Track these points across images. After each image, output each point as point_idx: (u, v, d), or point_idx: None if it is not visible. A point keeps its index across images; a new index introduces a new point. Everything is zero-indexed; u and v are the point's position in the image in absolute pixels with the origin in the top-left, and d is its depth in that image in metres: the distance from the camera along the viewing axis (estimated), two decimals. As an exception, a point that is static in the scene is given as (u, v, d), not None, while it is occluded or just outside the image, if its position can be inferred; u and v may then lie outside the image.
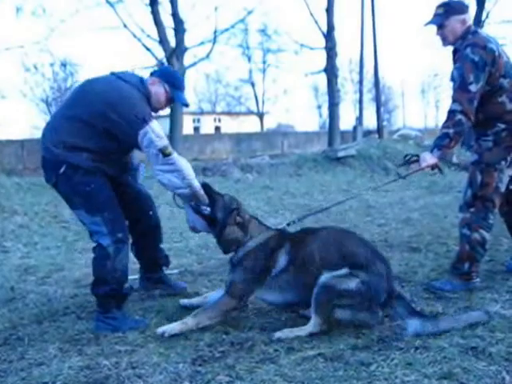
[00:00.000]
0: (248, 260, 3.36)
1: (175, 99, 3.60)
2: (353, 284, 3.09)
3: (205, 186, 3.47)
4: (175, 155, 3.31)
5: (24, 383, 2.68)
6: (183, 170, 3.31)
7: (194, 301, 3.69)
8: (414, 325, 3.02)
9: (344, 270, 3.14)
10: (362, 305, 3.10)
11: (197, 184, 3.38)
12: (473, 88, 3.67)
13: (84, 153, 3.30)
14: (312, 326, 3.12)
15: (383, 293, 3.15)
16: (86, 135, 3.30)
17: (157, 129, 3.26)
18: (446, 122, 3.73)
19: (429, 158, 3.76)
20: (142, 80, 3.51)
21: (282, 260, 3.31)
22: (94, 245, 3.43)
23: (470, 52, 3.70)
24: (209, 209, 3.43)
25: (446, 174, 12.75)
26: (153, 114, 3.46)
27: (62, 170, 3.31)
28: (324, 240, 3.32)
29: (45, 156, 3.41)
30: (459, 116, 3.67)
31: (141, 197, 3.87)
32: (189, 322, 3.24)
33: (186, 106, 3.82)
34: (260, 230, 3.50)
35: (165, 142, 3.28)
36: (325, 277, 3.14)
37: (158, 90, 3.52)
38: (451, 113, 3.71)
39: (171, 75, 3.64)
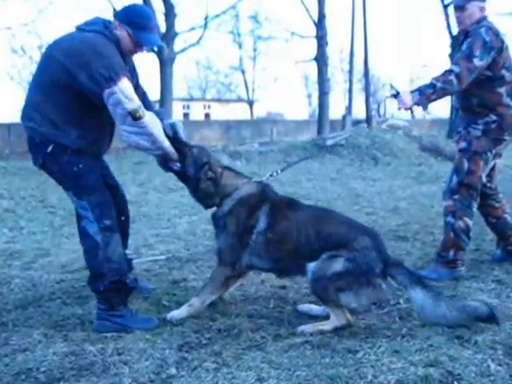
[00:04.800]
0: (231, 218, 3.23)
1: (141, 42, 3.20)
2: (339, 265, 2.97)
3: (173, 139, 3.25)
4: (146, 118, 2.99)
5: (7, 369, 2.64)
6: (153, 133, 3.03)
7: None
8: (417, 297, 2.90)
9: (324, 255, 3.01)
10: (358, 282, 2.95)
11: (167, 144, 3.14)
12: (476, 62, 3.76)
13: (73, 131, 3.08)
14: (335, 319, 2.99)
15: (377, 263, 2.99)
16: (63, 103, 3.05)
17: (127, 89, 2.94)
18: (439, 76, 3.78)
19: (407, 100, 3.77)
20: (105, 24, 3.14)
21: (261, 221, 3.19)
22: (80, 233, 3.18)
23: (484, 32, 3.82)
24: (179, 164, 3.27)
25: (433, 164, 12.83)
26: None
27: (49, 149, 3.08)
28: (302, 219, 3.19)
29: (30, 136, 3.14)
30: (453, 77, 3.73)
31: (119, 200, 3.56)
32: (194, 302, 3.22)
33: (156, 47, 3.33)
34: (239, 180, 3.36)
35: (135, 104, 2.95)
36: (310, 267, 3.02)
37: (122, 35, 3.13)
38: (447, 71, 3.78)
39: (131, 14, 3.16)
